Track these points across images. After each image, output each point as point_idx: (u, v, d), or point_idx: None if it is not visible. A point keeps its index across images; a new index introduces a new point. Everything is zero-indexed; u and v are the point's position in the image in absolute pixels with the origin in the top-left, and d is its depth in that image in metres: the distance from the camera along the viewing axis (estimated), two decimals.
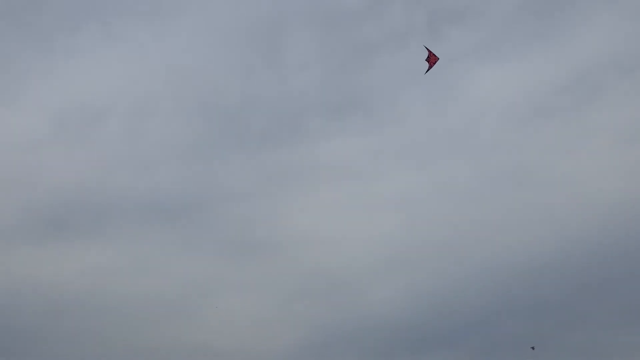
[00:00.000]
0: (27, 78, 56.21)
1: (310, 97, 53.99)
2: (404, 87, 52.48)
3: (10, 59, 56.39)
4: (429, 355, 41.66)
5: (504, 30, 51.61)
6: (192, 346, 43.93)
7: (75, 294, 46.32)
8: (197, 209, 50.82)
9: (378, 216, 47.97)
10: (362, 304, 44.78)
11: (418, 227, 46.74)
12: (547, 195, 45.72)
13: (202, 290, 46.71)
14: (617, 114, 47.62)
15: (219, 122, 55.04)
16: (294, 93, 54.12)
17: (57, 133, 54.84)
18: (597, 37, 50.40)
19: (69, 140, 54.62)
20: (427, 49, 32.09)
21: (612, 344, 39.47)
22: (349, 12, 53.87)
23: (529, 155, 47.79)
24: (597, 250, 42.29)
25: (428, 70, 32.57)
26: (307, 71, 54.15)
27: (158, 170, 53.05)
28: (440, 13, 51.77)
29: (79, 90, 56.18)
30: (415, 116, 51.43)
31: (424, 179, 48.70)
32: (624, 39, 49.88)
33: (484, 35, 51.94)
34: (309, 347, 43.40)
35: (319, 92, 54.06)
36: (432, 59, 32.01)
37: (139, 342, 43.84)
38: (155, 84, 57.18)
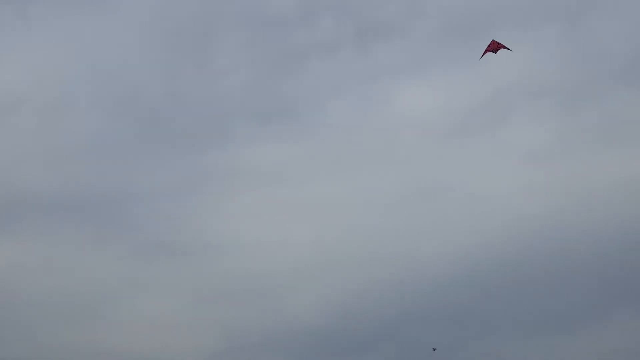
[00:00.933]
0: None
1: (238, 100, 54.17)
2: (331, 97, 53.85)
3: None
4: (343, 359, 43.06)
5: (427, 50, 54.17)
6: (104, 348, 43.01)
7: None
8: (112, 208, 49.67)
9: (298, 223, 48.79)
10: (279, 309, 45.35)
11: (338, 235, 47.96)
12: (458, 209, 48.39)
13: (115, 291, 45.69)
14: (526, 135, 51.19)
15: (141, 120, 54.06)
16: (221, 95, 54.09)
17: None
18: (510, 63, 53.77)
19: None
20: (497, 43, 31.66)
21: (516, 352, 42.46)
22: (280, 19, 54.60)
23: (444, 171, 50.25)
24: (504, 262, 45.16)
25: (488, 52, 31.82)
26: (236, 74, 54.28)
27: (73, 166, 51.40)
28: (369, 27, 53.61)
29: None
30: (341, 125, 52.83)
31: (346, 187, 50.06)
32: (535, 67, 53.76)
33: (408, 53, 54.28)
34: (224, 351, 43.52)
35: (247, 96, 54.33)
36: (494, 47, 31.72)
37: (47, 343, 42.48)
38: (74, 77, 55.40)
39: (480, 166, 49.93)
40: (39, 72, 54.79)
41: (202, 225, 48.82)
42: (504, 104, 52.87)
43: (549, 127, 51.18)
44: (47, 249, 46.81)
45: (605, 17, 53.98)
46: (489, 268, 44.87)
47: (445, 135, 52.19)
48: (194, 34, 55.60)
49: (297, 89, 53.51)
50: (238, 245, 47.71)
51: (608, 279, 43.61)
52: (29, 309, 44.27)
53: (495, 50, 32.10)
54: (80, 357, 42.28)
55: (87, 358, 42.43)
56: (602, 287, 43.55)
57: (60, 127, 53.31)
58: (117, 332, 44.03)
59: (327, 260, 46.78)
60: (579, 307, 43.28)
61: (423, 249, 46.63)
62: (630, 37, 52.92)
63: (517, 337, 42.73)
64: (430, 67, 54.38)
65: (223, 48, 55.15)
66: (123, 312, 45.10)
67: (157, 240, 48.13)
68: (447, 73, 53.99)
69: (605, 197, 46.27)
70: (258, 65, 54.59)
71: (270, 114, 53.11)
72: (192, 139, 52.91)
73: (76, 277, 45.57)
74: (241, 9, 55.94)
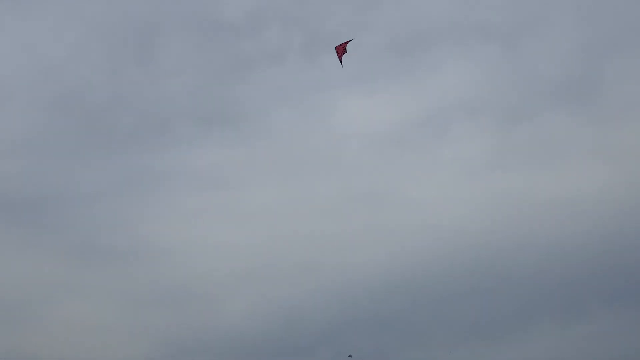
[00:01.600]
0: None
1: (182, 103, 53.74)
2: (276, 104, 54.20)
3: None
4: None
5: (372, 64, 55.29)
6: (32, 354, 41.61)
7: None
8: (44, 208, 48.24)
9: (239, 228, 48.68)
10: (216, 314, 44.99)
11: (277, 240, 48.06)
12: (397, 218, 49.37)
13: (43, 294, 44.33)
14: (462, 150, 52.92)
15: (80, 118, 52.79)
16: (165, 97, 53.52)
17: None
18: (449, 81, 55.87)
19: None
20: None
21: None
22: (228, 25, 54.67)
23: (384, 180, 51.35)
24: (436, 271, 46.37)
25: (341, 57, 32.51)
26: (180, 77, 53.87)
27: (7, 164, 49.72)
28: (315, 38, 54.34)
29: None
30: (284, 133, 53.21)
31: (286, 194, 50.36)
32: (472, 85, 55.88)
33: (354, 66, 55.26)
34: (159, 357, 42.84)
35: (190, 99, 53.97)
36: (340, 51, 32.47)
37: None
38: (12, 72, 53.72)
39: (417, 177, 51.44)
40: None
41: (139, 228, 48.03)
42: (442, 120, 54.67)
43: (485, 143, 53.21)
44: None
45: (539, 41, 56.70)
46: (421, 276, 46.10)
47: (386, 146, 53.49)
48: (139, 34, 55.03)
49: (243, 95, 53.70)
50: (175, 250, 47.18)
51: (533, 290, 45.46)
52: None
53: (345, 51, 33.28)
54: None
55: None
56: (527, 298, 45.32)
57: None
58: (46, 337, 42.72)
59: (265, 266, 46.86)
60: (504, 316, 44.92)
61: (359, 256, 47.34)
62: (562, 61, 55.78)
63: (445, 345, 43.84)
64: (374, 80, 55.62)
65: (169, 50, 54.81)
66: (53, 317, 43.87)
67: (92, 243, 47.12)
68: (390, 87, 55.39)
69: (535, 211, 48.33)
70: (204, 70, 54.44)
71: (214, 118, 53.03)
72: (134, 140, 52.21)
73: (3, 278, 43.99)
74: (190, 12, 55.78)
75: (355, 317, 45.23)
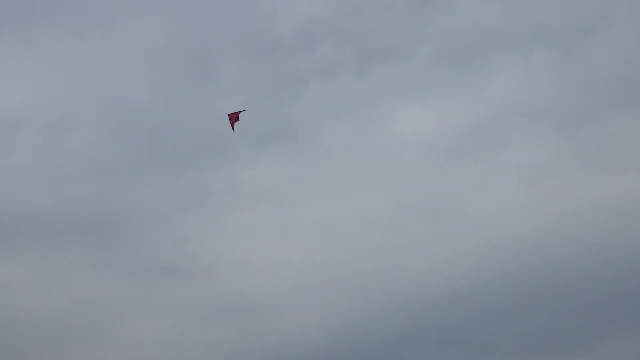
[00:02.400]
0: None
1: (238, 122, 54.64)
2: (330, 119, 54.44)
3: None
4: None
5: (426, 73, 54.98)
6: None
7: None
8: (111, 228, 49.91)
9: (297, 243, 48.95)
10: (276, 330, 45.30)
11: (336, 255, 48.10)
12: (458, 228, 48.53)
13: (112, 312, 45.71)
14: (523, 156, 51.60)
15: (141, 140, 54.53)
16: (221, 117, 54.59)
17: None
18: (508, 86, 54.81)
19: None
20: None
21: None
22: (281, 44, 55.48)
23: (443, 190, 50.58)
24: (502, 281, 45.25)
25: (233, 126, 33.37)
26: (235, 96, 54.92)
27: (72, 186, 51.82)
28: (369, 51, 54.46)
29: None
30: (339, 147, 53.30)
31: (345, 208, 50.31)
32: (532, 90, 54.58)
33: (407, 75, 55.05)
34: None
35: (247, 118, 54.84)
36: (233, 119, 33.13)
37: None
38: (76, 98, 56.11)
39: (477, 186, 50.40)
40: (42, 94, 55.65)
41: (200, 245, 49.02)
42: (502, 127, 53.52)
43: (548, 149, 51.84)
44: (45, 270, 47.06)
45: (600, 41, 55.01)
46: (485, 287, 45.05)
47: (444, 156, 52.73)
48: (195, 57, 56.53)
49: (297, 111, 54.20)
50: (236, 266, 47.88)
51: (605, 299, 43.74)
52: (24, 331, 44.42)
53: (237, 119, 33.63)
54: None
55: None
56: (599, 307, 43.63)
57: (61, 149, 53.95)
58: (114, 354, 43.95)
59: (326, 280, 46.91)
60: (575, 327, 43.30)
61: (421, 268, 46.74)
62: (626, 60, 53.82)
63: (512, 358, 42.59)
64: (430, 90, 55.22)
65: (224, 71, 56.01)
66: (120, 334, 45.15)
67: (156, 261, 48.31)
68: (446, 96, 54.82)
69: (602, 217, 46.67)
70: (258, 88, 55.31)
71: (269, 135, 53.66)
72: (192, 160, 53.42)
73: (72, 298, 45.73)
74: (243, 34, 56.98)
75: (418, 330, 44.64)
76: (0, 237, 48.63)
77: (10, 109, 54.10)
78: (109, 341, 44.56)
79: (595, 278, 44.51)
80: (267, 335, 44.92)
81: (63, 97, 55.71)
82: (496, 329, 44.29)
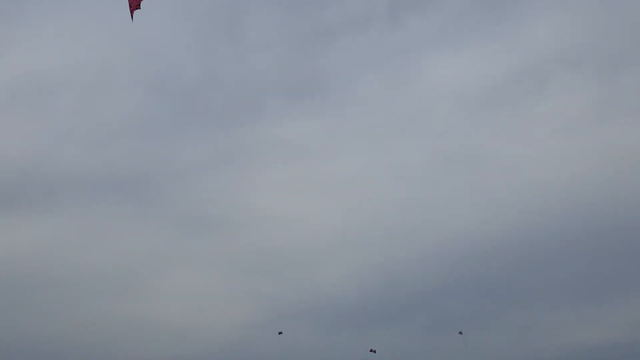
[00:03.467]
0: None
1: (270, 77, 54.67)
2: (362, 71, 53.88)
3: None
4: (374, 331, 43.21)
5: (460, 21, 53.64)
6: (143, 320, 44.24)
7: (25, 267, 45.89)
8: (150, 184, 50.91)
9: (332, 196, 49.16)
10: (312, 282, 45.76)
11: (370, 207, 48.16)
12: (494, 179, 47.96)
13: (153, 265, 46.88)
14: (560, 105, 50.25)
15: (176, 98, 55.08)
16: (253, 72, 54.68)
17: (8, 105, 53.88)
18: (545, 32, 53.01)
19: (20, 112, 53.68)
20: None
21: (549, 321, 42.10)
22: None
23: (477, 140, 49.91)
24: (537, 230, 44.79)
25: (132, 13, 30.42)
26: (267, 51, 54.75)
27: (111, 144, 52.83)
28: (400, 1, 53.26)
29: (32, 61, 55.21)
30: (372, 99, 52.87)
31: (376, 159, 50.20)
32: (569, 35, 52.68)
33: (440, 25, 53.82)
34: (258, 323, 44.24)
35: (278, 72, 54.80)
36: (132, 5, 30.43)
37: (88, 315, 43.90)
38: (111, 59, 56.70)
39: (513, 136, 49.50)
40: (77, 56, 56.31)
41: (236, 199, 49.64)
42: (538, 74, 52.09)
43: (587, 95, 50.32)
44: (87, 225, 48.26)
45: None
46: (521, 238, 44.56)
47: (478, 105, 51.84)
48: (226, 13, 56.24)
49: (329, 64, 53.73)
50: (272, 219, 48.34)
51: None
52: (70, 283, 45.71)
53: (138, 7, 30.26)
54: (119, 329, 43.62)
55: (126, 329, 43.75)
56: (633, 258, 42.76)
57: (99, 108, 54.75)
58: (154, 304, 45.23)
59: (360, 232, 47.13)
60: (612, 277, 42.71)
61: (455, 219, 46.51)
62: None
63: (547, 308, 42.41)
64: (464, 39, 53.90)
65: (254, 25, 55.64)
66: (162, 285, 46.27)
67: (194, 214, 49.21)
68: (480, 45, 53.42)
69: None
70: (290, 42, 54.91)
71: (301, 89, 53.50)
72: (226, 116, 53.77)
73: (115, 252, 46.79)
74: None
75: (453, 281, 44.62)
76: (44, 195, 50.20)
77: (48, 71, 55.08)
78: (152, 292, 45.86)
79: (634, 225, 43.58)
80: (304, 286, 45.51)
81: (96, 57, 56.38)
82: (532, 277, 44.01)
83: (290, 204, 48.97)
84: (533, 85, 51.75)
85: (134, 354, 42.95)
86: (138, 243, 47.38)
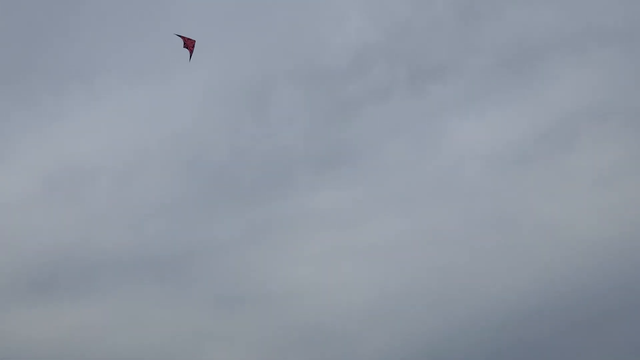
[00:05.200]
0: (14, 138, 57.35)
1: (298, 150, 55.55)
2: (388, 139, 54.39)
3: None
4: None
5: (482, 84, 54.26)
6: None
7: (64, 354, 46.13)
8: (185, 263, 51.24)
9: (367, 265, 48.73)
10: (353, 354, 44.98)
11: (406, 274, 47.53)
12: (530, 239, 47.06)
13: (191, 344, 46.69)
14: (592, 158, 49.74)
15: (207, 177, 56.14)
16: (281, 147, 55.68)
17: (46, 194, 55.46)
18: (569, 89, 53.24)
19: (57, 200, 55.23)
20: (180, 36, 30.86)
21: None
22: (334, 71, 56.31)
23: (511, 200, 49.35)
24: (582, 289, 43.43)
25: (190, 56, 31.02)
26: (293, 126, 55.91)
27: (146, 226, 53.68)
28: (421, 69, 54.37)
29: (67, 151, 57.30)
30: (400, 166, 53.04)
31: (410, 226, 49.81)
32: (593, 90, 52.81)
33: (463, 88, 54.53)
34: None
35: (305, 145, 55.70)
36: (189, 44, 31.16)
37: None
38: (143, 143, 58.46)
39: (547, 193, 48.93)
40: (111, 142, 58.30)
41: (270, 273, 49.59)
42: (567, 129, 51.98)
43: (617, 148, 49.77)
44: (125, 307, 48.72)
45: None
46: (568, 297, 43.18)
47: (507, 164, 51.57)
48: (252, 93, 58.02)
49: (354, 134, 54.53)
50: (307, 291, 48.09)
51: None
52: None
53: (188, 46, 30.80)
54: None
55: None
56: None
57: (135, 191, 56.08)
58: None
59: (396, 301, 46.33)
60: None
61: (495, 284, 45.45)
62: None
63: None
64: (486, 101, 54.36)
65: (280, 103, 57.16)
66: None
67: (229, 291, 49.19)
68: (504, 106, 53.80)
69: None
70: (315, 116, 56.12)
71: (329, 160, 54.15)
72: (257, 191, 54.46)
73: (152, 333, 47.03)
74: (297, 64, 58.11)
75: (496, 348, 43.18)
76: (81, 280, 50.84)
77: (84, 158, 57.01)
78: None
79: None
80: (343, 359, 44.66)
81: (130, 142, 58.25)
82: (581, 342, 42.38)
83: (325, 274, 48.78)
84: (562, 141, 51.65)
85: None
86: (175, 322, 47.46)
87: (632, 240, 44.84)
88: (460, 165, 52.14)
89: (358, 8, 58.13)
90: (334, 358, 44.92)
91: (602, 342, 42.01)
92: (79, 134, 58.31)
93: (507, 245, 47.16)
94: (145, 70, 60.07)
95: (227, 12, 60.93)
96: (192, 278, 49.92)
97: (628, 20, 53.73)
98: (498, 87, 54.21)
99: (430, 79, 53.75)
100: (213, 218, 53.34)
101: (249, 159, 55.93)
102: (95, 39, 61.07)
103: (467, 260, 47.10)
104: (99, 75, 60.00)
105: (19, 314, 47.26)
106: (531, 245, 46.73)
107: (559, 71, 53.73)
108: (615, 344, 41.87)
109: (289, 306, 47.53)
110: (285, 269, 49.52)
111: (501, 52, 54.87)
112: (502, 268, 46.23)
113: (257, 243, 51.48)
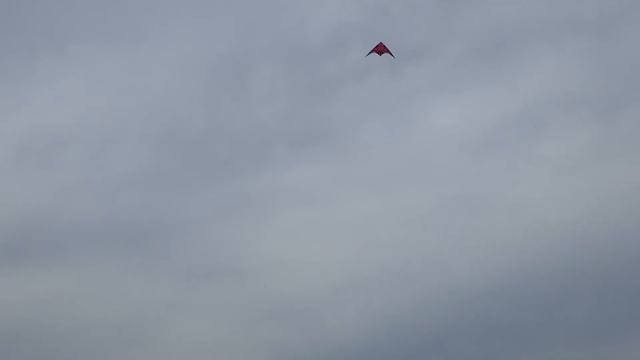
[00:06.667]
0: None
1: (274, 127, 55.90)
2: (365, 119, 55.05)
3: None
4: None
5: (458, 68, 55.20)
6: None
7: (32, 321, 46.00)
8: (157, 236, 51.37)
9: (338, 241, 49.57)
10: (322, 327, 45.87)
11: (376, 251, 48.48)
12: (498, 221, 48.48)
13: (161, 316, 46.96)
14: (559, 146, 51.32)
15: (182, 151, 56.12)
16: (257, 123, 55.96)
17: (17, 161, 54.89)
18: (542, 77, 54.61)
19: (28, 168, 54.68)
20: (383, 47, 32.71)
21: None
22: (312, 49, 56.62)
23: (480, 183, 50.63)
24: (544, 268, 45.14)
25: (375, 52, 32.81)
26: (271, 103, 56.17)
27: (118, 197, 53.54)
28: (399, 52, 54.91)
29: (40, 118, 56.64)
30: (375, 146, 53.84)
31: (382, 205, 50.78)
32: (565, 78, 54.25)
33: (438, 72, 55.42)
34: None
35: (282, 122, 56.06)
36: (381, 49, 32.82)
37: None
38: (117, 113, 58.12)
39: (515, 177, 50.26)
40: (84, 111, 57.82)
41: (242, 248, 50.07)
42: (537, 117, 53.36)
43: (586, 136, 51.49)
44: (94, 278, 48.71)
45: (631, 28, 54.38)
46: (527, 278, 44.84)
47: (479, 148, 52.79)
48: (230, 67, 58.02)
49: (331, 113, 55.04)
50: (278, 267, 48.68)
51: None
52: (77, 336, 45.89)
53: (380, 53, 33.14)
54: None
55: None
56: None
57: (106, 162, 55.82)
58: (163, 356, 45.12)
59: (366, 277, 47.34)
60: (619, 314, 42.77)
61: (460, 261, 46.81)
62: None
63: (560, 349, 42.15)
64: (462, 85, 55.35)
65: (258, 79, 57.34)
66: (169, 337, 46.31)
67: (200, 265, 49.54)
68: (478, 90, 54.90)
69: None
70: (293, 94, 56.42)
71: (304, 138, 54.65)
72: (232, 166, 54.69)
73: (122, 304, 47.15)
74: (275, 42, 58.26)
75: (461, 323, 44.66)
76: (52, 248, 50.58)
77: (56, 127, 56.43)
78: (159, 345, 45.82)
79: (637, 263, 43.83)
80: (312, 333, 45.55)
81: (104, 112, 57.85)
82: (538, 319, 44.10)
83: (296, 250, 49.43)
84: (533, 127, 53.01)
85: None
86: (145, 295, 47.65)
87: (593, 224, 46.67)
88: (433, 147, 53.31)
89: None
90: (304, 331, 45.77)
91: (562, 318, 43.81)
92: (52, 101, 57.73)
93: (474, 225, 48.61)
94: (121, 38, 59.69)
95: None
96: (164, 251, 50.16)
97: (602, 12, 55.24)
98: (473, 73, 55.34)
99: (408, 60, 54.51)
100: (186, 191, 53.52)
101: (224, 134, 56.16)
102: (69, 4, 60.25)
103: (436, 238, 48.41)
104: (72, 42, 59.43)
105: None
106: (497, 225, 48.29)
107: (533, 59, 55.07)
108: (573, 319, 43.76)
109: (260, 281, 48.16)
110: (257, 244, 50.07)
111: (477, 38, 55.96)
112: (469, 247, 47.65)
113: (229, 217, 51.92)
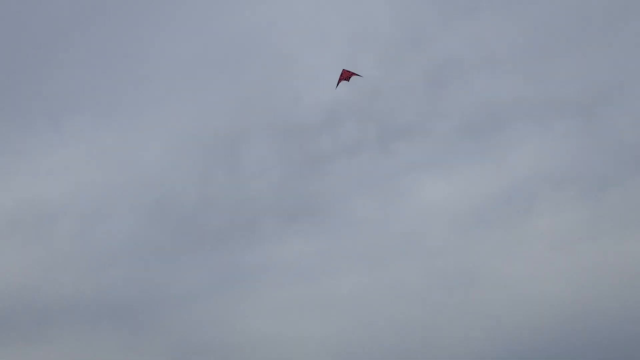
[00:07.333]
0: None
1: (266, 201, 56.20)
2: (356, 194, 55.62)
3: None
4: None
5: (447, 147, 56.35)
6: None
7: None
8: (146, 311, 50.58)
9: (329, 317, 49.03)
10: None
11: (367, 327, 47.97)
12: (487, 296, 48.31)
13: None
14: (550, 222, 51.88)
15: (173, 224, 56.03)
16: (250, 198, 56.26)
17: (5, 234, 54.54)
18: (529, 156, 55.81)
19: (16, 241, 54.26)
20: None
21: None
22: (305, 125, 57.72)
23: (471, 260, 50.74)
24: (536, 345, 44.69)
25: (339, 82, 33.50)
26: (263, 177, 56.70)
27: (107, 271, 53.00)
28: (390, 129, 56.28)
29: (31, 190, 56.67)
30: (367, 221, 54.07)
31: (374, 280, 50.55)
32: (553, 157, 55.47)
33: (429, 149, 56.52)
34: None
35: (274, 197, 56.41)
36: (347, 75, 33.42)
37: None
38: (109, 186, 58.24)
39: (506, 254, 50.40)
40: (76, 183, 57.93)
41: (233, 324, 49.43)
42: (526, 194, 54.07)
43: (574, 214, 52.04)
44: (80, 354, 47.60)
45: (617, 108, 56.09)
46: (520, 353, 44.31)
47: (470, 225, 53.07)
48: (223, 141, 58.80)
49: (323, 188, 55.50)
50: (269, 342, 47.94)
51: None
52: None
53: (347, 79, 33.83)
54: None
55: None
56: None
57: (97, 235, 55.52)
58: None
59: (356, 353, 46.63)
60: None
61: (452, 338, 46.30)
62: None
63: None
64: (452, 163, 56.33)
65: (251, 154, 58.07)
66: None
67: (189, 341, 48.66)
68: (468, 168, 55.83)
69: (634, 280, 46.11)
70: (286, 169, 57.06)
71: (296, 212, 54.83)
72: (223, 241, 54.54)
73: None
74: (271, 119, 59.39)
75: None
76: (39, 323, 49.63)
77: (48, 199, 56.41)
78: None
79: (631, 339, 43.62)
80: None
81: (97, 184, 57.98)
82: None
83: (287, 325, 48.76)
84: (522, 205, 53.64)
85: None
86: None
87: (584, 302, 46.62)
88: (425, 223, 53.63)
89: (331, 67, 60.21)
90: None
91: None
92: (44, 173, 57.98)
93: (466, 301, 48.40)
94: (115, 112, 60.60)
95: (203, 62, 62.43)
96: (150, 326, 49.31)
97: (587, 94, 57.08)
98: (462, 151, 56.42)
99: (399, 138, 55.67)
100: (176, 265, 53.10)
101: (216, 208, 56.27)
102: (65, 78, 61.47)
103: (426, 314, 48.08)
104: (67, 115, 60.27)
105: None
106: (487, 302, 48.17)
107: (521, 138, 56.42)
108: None
109: (249, 357, 47.29)
110: (246, 319, 49.44)
111: (466, 117, 57.39)
112: (459, 323, 47.38)
113: (219, 292, 51.37)
